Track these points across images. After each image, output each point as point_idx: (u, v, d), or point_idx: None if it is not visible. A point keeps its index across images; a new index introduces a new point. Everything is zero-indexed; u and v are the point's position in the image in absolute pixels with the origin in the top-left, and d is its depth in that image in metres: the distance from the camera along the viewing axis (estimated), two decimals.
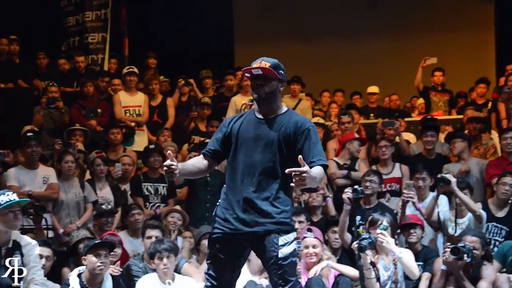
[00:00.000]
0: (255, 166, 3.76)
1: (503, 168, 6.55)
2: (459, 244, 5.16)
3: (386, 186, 6.88)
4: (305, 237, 5.48)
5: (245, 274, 5.40)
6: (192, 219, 6.93)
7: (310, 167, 3.51)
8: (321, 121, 8.39)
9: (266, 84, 3.75)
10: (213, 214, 3.94)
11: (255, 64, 3.77)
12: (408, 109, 10.75)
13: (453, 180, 5.89)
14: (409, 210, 6.19)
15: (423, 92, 9.78)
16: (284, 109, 3.90)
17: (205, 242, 5.83)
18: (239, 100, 8.47)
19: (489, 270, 5.28)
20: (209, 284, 3.91)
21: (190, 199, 7.17)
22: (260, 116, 3.85)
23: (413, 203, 6.12)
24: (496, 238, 6.10)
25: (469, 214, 5.97)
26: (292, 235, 3.78)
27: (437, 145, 7.45)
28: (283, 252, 3.71)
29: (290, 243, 3.75)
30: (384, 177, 6.87)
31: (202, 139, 7.83)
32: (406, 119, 9.12)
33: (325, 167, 3.71)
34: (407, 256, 5.30)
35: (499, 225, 6.13)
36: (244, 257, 4.00)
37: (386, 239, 5.27)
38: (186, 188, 7.21)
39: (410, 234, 5.72)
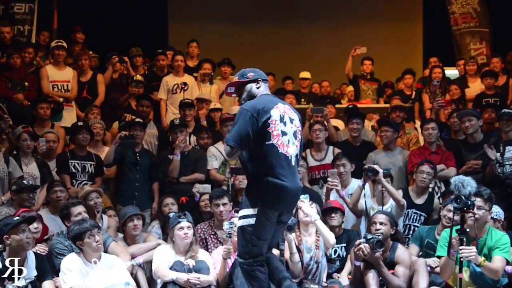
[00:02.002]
0: None
1: (425, 157, 6.83)
2: (368, 237, 5.33)
3: (320, 173, 7.02)
4: (232, 217, 5.58)
5: (171, 255, 5.46)
6: (120, 198, 6.95)
7: None
8: None
9: (241, 92, 4.52)
10: None
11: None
12: (338, 96, 10.97)
13: (381, 171, 6.11)
14: (333, 196, 6.38)
15: (352, 80, 10.06)
16: None
17: (130, 224, 5.86)
18: (171, 80, 8.47)
19: (405, 254, 5.48)
20: None
21: (119, 178, 7.15)
22: None
23: (337, 190, 6.32)
24: (415, 224, 6.39)
25: (391, 202, 6.20)
26: None
27: (363, 132, 7.67)
28: None
29: None
30: (317, 163, 7.04)
31: (133, 117, 7.80)
32: (336, 105, 9.32)
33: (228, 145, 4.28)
34: (321, 223, 5.49)
35: (418, 212, 6.44)
36: None
37: (305, 205, 5.45)
38: (115, 166, 7.18)
39: (331, 218, 5.92)
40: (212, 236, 6.05)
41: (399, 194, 6.18)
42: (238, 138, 4.23)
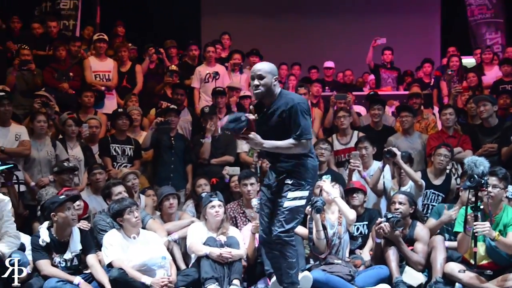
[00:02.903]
0: None
1: (443, 141, 6.72)
2: (388, 216, 5.27)
3: (346, 156, 6.93)
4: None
5: (204, 232, 5.47)
6: (157, 179, 6.97)
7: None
8: None
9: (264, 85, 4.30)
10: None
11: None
12: (360, 84, 10.86)
13: (399, 153, 6.02)
14: (355, 178, 6.32)
15: (373, 69, 9.97)
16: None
17: (167, 203, 5.89)
18: (203, 70, 8.45)
19: (424, 232, 5.43)
20: None
21: (156, 160, 7.16)
22: None
23: (359, 171, 6.27)
24: (434, 203, 6.28)
25: (410, 183, 6.11)
26: None
27: (384, 117, 7.57)
28: None
29: None
30: (342, 147, 6.98)
31: (169, 104, 7.80)
32: (358, 93, 9.22)
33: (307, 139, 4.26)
34: (340, 200, 5.47)
35: (436, 192, 6.34)
36: None
37: (326, 184, 5.45)
38: (152, 150, 7.19)
39: (353, 198, 5.87)
40: (241, 214, 6.04)
41: (417, 175, 6.08)
42: (310, 129, 4.34)
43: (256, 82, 4.27)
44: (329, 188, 5.47)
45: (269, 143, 4.25)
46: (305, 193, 4.32)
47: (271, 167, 4.52)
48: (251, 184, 5.99)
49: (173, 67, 8.67)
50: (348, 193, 5.89)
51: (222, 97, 7.80)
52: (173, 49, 9.37)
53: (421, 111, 7.85)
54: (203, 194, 5.81)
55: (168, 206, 5.91)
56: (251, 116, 4.27)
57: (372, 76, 10.38)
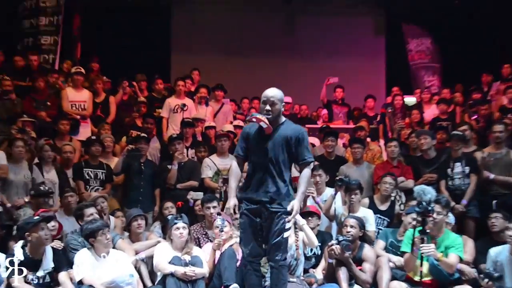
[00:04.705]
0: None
1: (388, 171, 6.75)
2: (339, 239, 5.25)
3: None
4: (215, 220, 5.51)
5: (169, 251, 5.35)
6: (126, 202, 6.83)
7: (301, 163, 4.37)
8: (241, 124, 8.36)
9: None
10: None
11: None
12: (315, 118, 10.95)
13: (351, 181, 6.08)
14: (309, 202, 6.27)
15: (326, 104, 10.07)
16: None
17: (135, 224, 5.78)
18: (173, 101, 8.39)
19: (371, 252, 5.42)
20: None
21: (126, 184, 7.03)
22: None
23: (313, 197, 6.23)
24: (380, 227, 6.29)
25: (361, 210, 6.11)
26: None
27: (336, 148, 7.61)
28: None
29: None
30: (298, 174, 6.90)
31: (139, 133, 7.71)
32: (312, 125, 9.27)
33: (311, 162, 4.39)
34: (307, 227, 5.43)
35: (382, 217, 6.37)
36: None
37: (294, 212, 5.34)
38: (123, 175, 7.05)
39: (308, 220, 5.77)
40: (203, 235, 5.94)
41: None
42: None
43: (267, 107, 4.29)
44: (298, 215, 5.34)
45: (301, 191, 4.32)
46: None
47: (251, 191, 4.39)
48: (213, 207, 5.92)
49: (142, 98, 8.63)
50: (304, 216, 5.79)
51: (190, 127, 7.74)
52: (143, 82, 9.32)
53: (367, 142, 7.91)
54: (169, 216, 5.71)
55: (136, 226, 5.79)
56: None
57: (325, 111, 10.41)
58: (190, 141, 7.71)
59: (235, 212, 4.40)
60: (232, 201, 4.40)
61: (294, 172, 6.96)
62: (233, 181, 4.47)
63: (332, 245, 5.22)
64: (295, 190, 4.36)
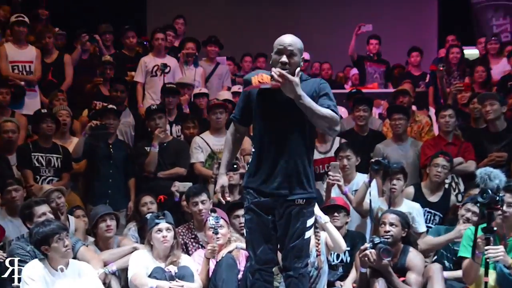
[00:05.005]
0: None
1: (440, 149, 6.78)
2: (375, 241, 5.27)
3: (324, 167, 6.90)
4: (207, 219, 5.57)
5: (149, 261, 5.42)
6: (91, 197, 6.91)
7: None
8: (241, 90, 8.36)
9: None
10: None
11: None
12: (341, 80, 10.95)
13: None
14: (335, 193, 6.32)
15: (357, 61, 10.04)
16: None
17: (103, 225, 5.84)
18: (150, 62, 8.44)
19: (418, 259, 5.45)
20: None
21: (90, 174, 7.10)
22: None
23: (339, 186, 6.25)
24: (430, 224, 6.34)
25: (405, 203, 6.14)
26: None
27: (370, 120, 7.64)
28: None
29: None
30: (321, 156, 6.98)
31: (105, 104, 7.75)
32: (338, 90, 9.29)
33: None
34: (332, 226, 5.43)
35: (432, 211, 6.41)
36: None
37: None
38: (85, 161, 7.12)
39: (334, 217, 5.83)
40: (192, 240, 5.99)
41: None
42: None
43: (284, 59, 4.18)
44: (318, 211, 5.32)
45: (306, 98, 4.04)
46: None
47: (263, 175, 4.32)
48: (202, 201, 5.94)
49: (107, 57, 8.65)
50: (328, 211, 5.82)
51: (174, 96, 7.78)
52: (109, 35, 9.35)
53: (412, 112, 7.93)
54: (148, 215, 5.75)
55: (104, 229, 5.83)
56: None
57: (355, 70, 10.46)
58: (174, 114, 7.76)
59: (224, 198, 4.43)
60: (222, 180, 4.41)
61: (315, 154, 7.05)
62: (225, 153, 4.49)
63: (365, 249, 5.26)
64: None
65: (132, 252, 5.61)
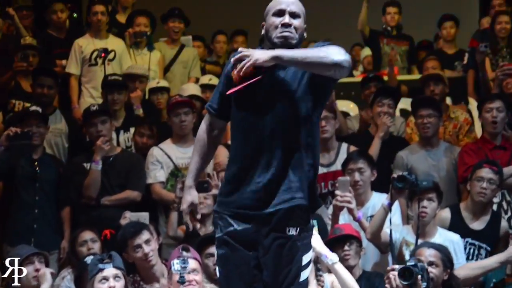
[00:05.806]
0: None
1: (485, 156, 6.81)
2: (409, 263, 5.22)
3: (328, 185, 6.95)
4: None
5: None
6: (8, 234, 6.91)
7: None
8: (214, 81, 8.33)
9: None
10: None
11: None
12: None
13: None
14: (343, 219, 6.34)
15: (370, 38, 10.00)
16: None
17: (29, 269, 5.73)
18: (87, 45, 8.47)
19: None
20: None
21: (7, 201, 7.12)
22: None
23: (350, 210, 6.22)
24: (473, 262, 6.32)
25: (440, 232, 6.12)
26: None
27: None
28: None
29: None
30: (323, 170, 6.88)
31: (27, 104, 7.81)
32: (345, 79, 9.28)
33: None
34: (342, 268, 5.39)
35: (476, 242, 6.38)
36: None
37: (314, 239, 5.31)
38: (1, 183, 7.17)
39: (344, 253, 5.79)
40: None
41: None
42: None
43: (287, 19, 4.16)
44: (321, 247, 5.33)
45: (285, 51, 4.06)
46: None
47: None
48: (146, 242, 5.87)
49: (28, 39, 8.65)
50: (335, 245, 5.79)
51: (121, 91, 7.76)
52: (26, 12, 9.37)
53: (446, 106, 7.95)
54: (89, 258, 5.71)
55: (32, 275, 5.74)
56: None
57: (367, 51, 10.45)
58: (122, 117, 7.79)
59: (193, 221, 4.37)
60: (190, 197, 4.34)
61: None
62: (195, 157, 4.40)
63: (391, 269, 5.23)
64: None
65: None
